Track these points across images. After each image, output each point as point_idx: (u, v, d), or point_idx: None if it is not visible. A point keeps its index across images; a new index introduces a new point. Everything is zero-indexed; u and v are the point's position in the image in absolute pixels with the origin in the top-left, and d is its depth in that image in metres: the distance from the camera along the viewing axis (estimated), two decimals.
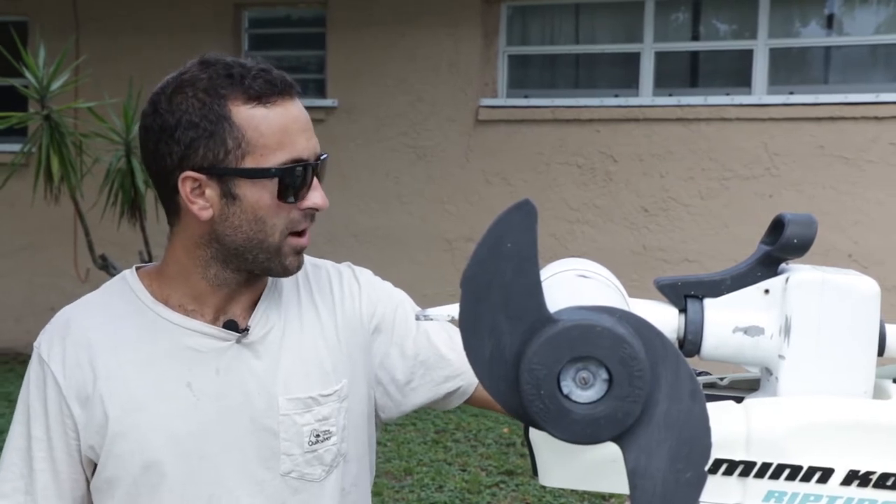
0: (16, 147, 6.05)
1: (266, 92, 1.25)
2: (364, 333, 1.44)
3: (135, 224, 5.66)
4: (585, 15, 7.00)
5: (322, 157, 1.32)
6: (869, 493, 0.76)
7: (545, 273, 0.81)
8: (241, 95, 1.25)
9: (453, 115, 6.84)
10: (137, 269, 1.40)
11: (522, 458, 5.14)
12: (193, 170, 1.26)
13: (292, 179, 1.27)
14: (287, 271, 1.32)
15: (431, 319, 0.81)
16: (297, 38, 7.68)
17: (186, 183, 1.27)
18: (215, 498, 1.32)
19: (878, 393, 0.82)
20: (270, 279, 1.40)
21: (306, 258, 1.45)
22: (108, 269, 5.71)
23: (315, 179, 1.30)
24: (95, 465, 1.35)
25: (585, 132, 6.60)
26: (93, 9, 7.42)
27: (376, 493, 4.67)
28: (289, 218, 1.29)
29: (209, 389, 1.32)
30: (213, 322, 1.35)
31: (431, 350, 1.46)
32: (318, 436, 1.35)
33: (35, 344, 1.38)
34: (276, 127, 1.26)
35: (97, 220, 5.62)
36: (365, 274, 1.51)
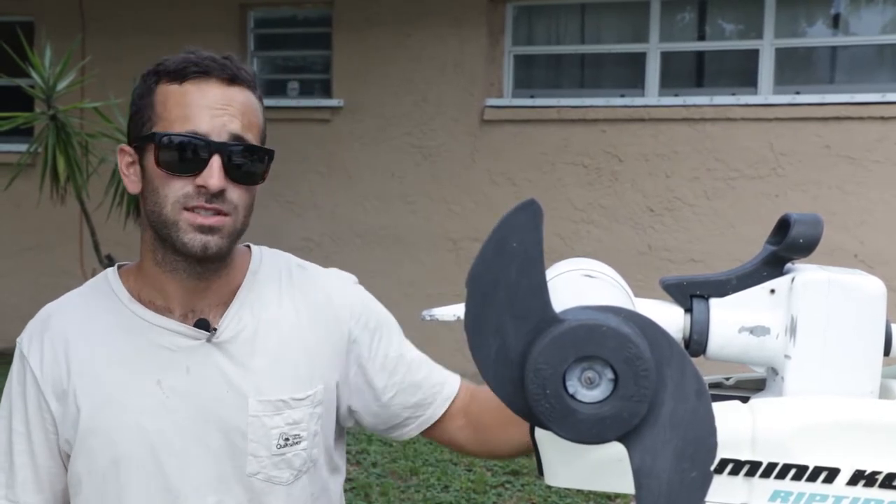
0: (22, 147, 6.06)
1: (183, 71, 1.29)
2: (344, 340, 1.43)
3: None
4: (591, 15, 6.99)
5: (234, 143, 1.28)
6: (875, 492, 0.76)
7: (551, 273, 0.81)
8: (166, 75, 1.30)
9: (458, 116, 6.83)
10: (119, 267, 1.42)
11: (528, 458, 5.11)
12: (128, 145, 1.35)
13: (172, 148, 1.27)
14: (185, 247, 1.28)
15: (437, 319, 0.81)
16: (303, 38, 7.68)
17: (123, 157, 1.36)
18: (182, 495, 1.33)
19: (884, 393, 0.82)
20: (246, 279, 1.40)
21: (293, 259, 1.47)
22: None
23: (217, 160, 1.26)
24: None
25: (591, 132, 6.60)
26: (99, 9, 7.43)
27: (382, 493, 4.67)
28: (181, 192, 1.28)
29: (179, 387, 1.33)
30: (184, 320, 1.35)
31: (407, 370, 1.46)
32: (287, 439, 1.35)
33: (18, 340, 1.41)
34: (180, 101, 1.28)
35: (103, 220, 5.63)
36: (350, 281, 1.51)
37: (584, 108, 6.61)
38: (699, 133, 6.37)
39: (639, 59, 6.75)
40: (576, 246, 6.50)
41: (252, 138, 1.31)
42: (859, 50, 6.48)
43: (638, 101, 6.58)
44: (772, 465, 0.76)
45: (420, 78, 6.94)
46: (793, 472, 0.76)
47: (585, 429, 0.66)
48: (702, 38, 6.82)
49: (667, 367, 0.66)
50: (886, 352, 0.81)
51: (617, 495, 4.37)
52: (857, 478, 0.75)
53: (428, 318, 0.81)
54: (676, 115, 6.41)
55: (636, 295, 0.83)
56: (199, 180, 1.26)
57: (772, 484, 0.76)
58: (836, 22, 6.53)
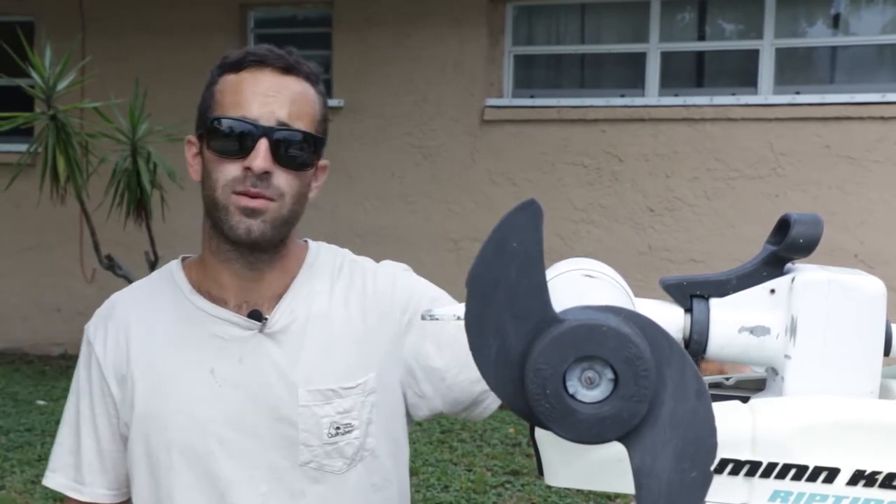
0: (22, 147, 6.06)
1: (241, 61, 1.33)
2: (397, 327, 1.44)
3: (141, 224, 5.67)
4: (591, 15, 7.00)
5: (282, 127, 1.31)
6: (875, 493, 0.75)
7: (550, 273, 0.81)
8: (227, 67, 1.35)
9: (458, 116, 6.84)
10: (183, 259, 1.47)
11: (528, 457, 5.14)
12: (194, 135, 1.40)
13: (222, 132, 1.31)
14: (232, 230, 1.32)
15: (437, 319, 0.81)
16: (303, 38, 7.68)
17: (189, 147, 1.40)
18: (234, 483, 1.36)
19: (885, 393, 0.82)
20: (301, 272, 1.43)
21: (348, 253, 1.50)
22: (113, 269, 5.72)
23: (264, 143, 1.29)
24: None
25: (591, 132, 6.60)
26: (99, 9, 7.43)
27: None
28: (231, 175, 1.31)
29: (231, 377, 1.36)
30: (238, 310, 1.39)
31: (466, 350, 1.45)
32: (338, 428, 1.37)
33: (85, 326, 1.47)
34: (235, 89, 1.32)
35: (103, 221, 5.63)
36: (400, 269, 1.51)
37: (584, 108, 6.62)
38: (699, 133, 6.37)
39: (639, 59, 6.75)
40: (576, 246, 6.51)
41: (302, 126, 1.33)
42: (859, 50, 6.48)
43: (638, 101, 6.59)
44: (772, 465, 0.76)
45: (420, 78, 6.94)
46: (793, 472, 0.76)
47: (585, 429, 0.66)
48: (702, 38, 6.82)
49: (667, 367, 0.66)
50: (886, 352, 0.81)
51: (617, 495, 4.37)
52: (858, 478, 0.75)
53: (428, 319, 0.81)
54: (676, 115, 6.42)
55: (636, 295, 0.83)
56: (246, 162, 1.30)
57: (772, 484, 0.76)
58: (836, 22, 6.53)
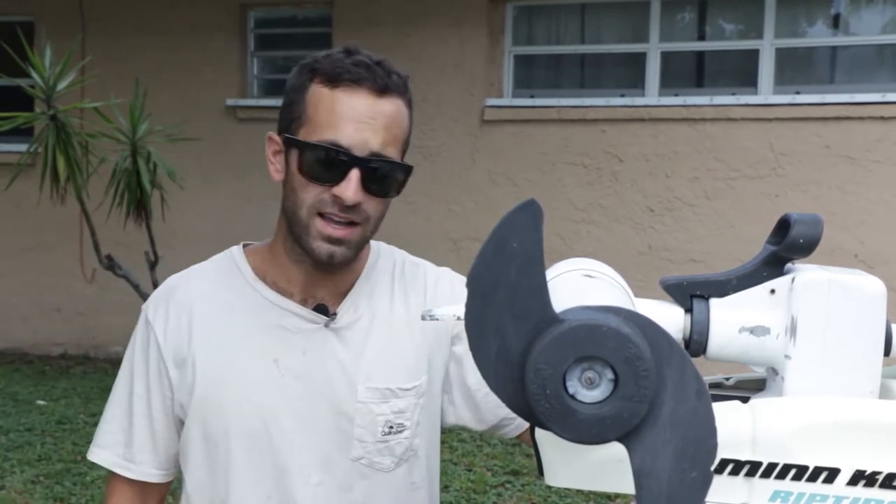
0: (22, 147, 6.05)
1: (336, 77, 1.30)
2: (446, 337, 1.47)
3: (141, 224, 5.66)
4: (591, 15, 7.00)
5: (374, 158, 1.30)
6: (875, 493, 0.76)
7: (551, 273, 0.81)
8: (321, 75, 1.31)
9: (459, 116, 6.84)
10: (244, 246, 1.48)
11: (528, 458, 5.14)
12: (277, 133, 1.38)
13: (314, 158, 1.30)
14: (313, 253, 1.33)
15: (437, 319, 0.81)
16: (303, 38, 7.68)
17: (270, 144, 1.39)
18: (288, 472, 1.39)
19: (885, 393, 0.82)
20: (364, 271, 1.45)
21: (407, 255, 1.53)
22: (113, 269, 5.71)
23: (356, 173, 1.29)
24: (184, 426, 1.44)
25: (591, 132, 6.60)
26: (99, 9, 7.43)
27: None
28: (318, 198, 1.31)
29: (294, 368, 1.39)
30: (302, 303, 1.41)
31: None
32: (391, 427, 1.41)
33: (143, 307, 1.47)
34: (329, 108, 1.30)
35: (103, 220, 5.62)
36: (458, 281, 1.53)
37: (584, 108, 6.61)
38: (699, 133, 6.37)
39: (639, 59, 6.75)
40: (576, 246, 6.50)
41: (393, 152, 1.32)
42: (859, 50, 6.48)
43: (638, 101, 6.58)
44: (772, 466, 0.76)
45: (420, 78, 6.93)
46: (793, 472, 0.76)
47: (585, 429, 0.66)
48: (702, 38, 6.82)
49: (667, 368, 0.66)
50: (886, 352, 0.81)
51: (617, 495, 4.37)
52: (858, 478, 0.75)
53: (428, 319, 0.81)
54: (676, 115, 6.42)
55: (636, 295, 0.83)
56: (337, 191, 1.29)
57: (772, 484, 0.76)
58: (836, 22, 6.53)
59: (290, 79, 1.37)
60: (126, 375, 1.47)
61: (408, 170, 1.36)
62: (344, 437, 1.39)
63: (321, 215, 1.31)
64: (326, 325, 1.40)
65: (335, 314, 1.40)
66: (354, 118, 1.29)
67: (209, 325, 1.41)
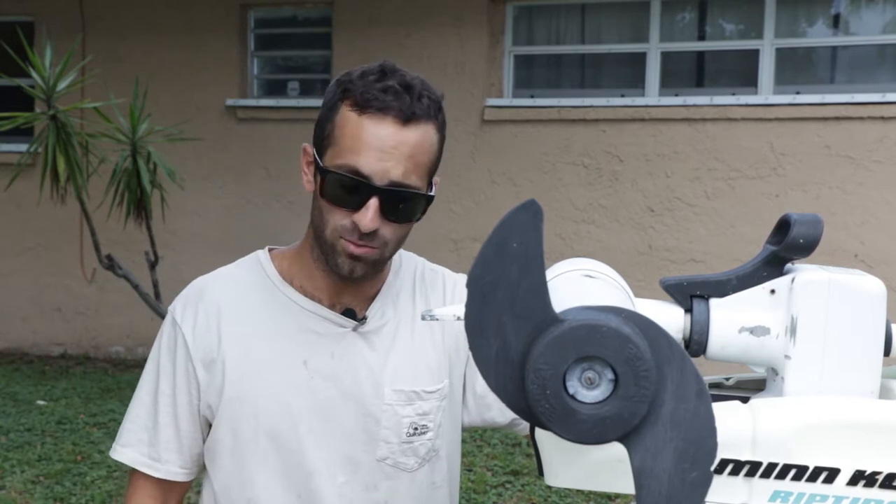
0: (22, 147, 6.06)
1: (364, 104, 1.30)
2: (463, 341, 1.48)
3: (141, 224, 5.67)
4: (591, 15, 6.99)
5: (394, 188, 1.31)
6: (875, 493, 0.76)
7: (551, 273, 0.81)
8: (353, 97, 1.32)
9: (459, 116, 6.83)
10: (270, 250, 1.50)
11: (528, 458, 5.14)
12: (311, 143, 1.40)
13: (335, 183, 1.32)
14: (336, 268, 1.36)
15: (437, 319, 0.81)
16: (304, 38, 7.68)
17: (305, 155, 1.41)
18: (315, 472, 1.41)
19: (885, 393, 0.82)
20: (389, 277, 1.48)
21: (426, 262, 1.56)
22: (114, 269, 5.72)
23: (374, 202, 1.30)
24: (210, 426, 1.46)
25: (591, 132, 6.60)
26: (99, 9, 7.43)
27: None
28: (340, 222, 1.33)
29: (323, 370, 1.41)
30: (330, 308, 1.43)
31: None
32: (416, 429, 1.44)
33: (170, 308, 1.49)
34: (354, 134, 1.31)
35: (103, 220, 5.63)
36: None
37: (585, 108, 6.61)
38: (699, 133, 6.37)
39: (639, 59, 6.75)
40: (576, 246, 6.51)
41: (416, 180, 1.33)
42: (859, 50, 6.48)
43: (638, 100, 6.58)
44: (772, 466, 0.76)
45: None
46: (793, 472, 0.76)
47: (586, 429, 0.66)
48: (702, 38, 6.82)
49: (667, 368, 0.66)
50: (886, 352, 0.81)
51: (617, 495, 4.37)
52: (858, 478, 0.75)
53: (428, 319, 0.81)
54: (676, 115, 6.42)
55: (636, 295, 0.83)
56: (356, 217, 1.31)
57: (772, 484, 0.76)
58: (836, 22, 6.53)
59: (327, 90, 1.38)
60: (151, 375, 1.48)
61: (428, 199, 1.37)
62: (370, 438, 1.42)
63: (343, 238, 1.34)
64: (355, 329, 1.43)
65: (365, 318, 1.43)
66: (378, 147, 1.29)
67: (238, 326, 1.43)
